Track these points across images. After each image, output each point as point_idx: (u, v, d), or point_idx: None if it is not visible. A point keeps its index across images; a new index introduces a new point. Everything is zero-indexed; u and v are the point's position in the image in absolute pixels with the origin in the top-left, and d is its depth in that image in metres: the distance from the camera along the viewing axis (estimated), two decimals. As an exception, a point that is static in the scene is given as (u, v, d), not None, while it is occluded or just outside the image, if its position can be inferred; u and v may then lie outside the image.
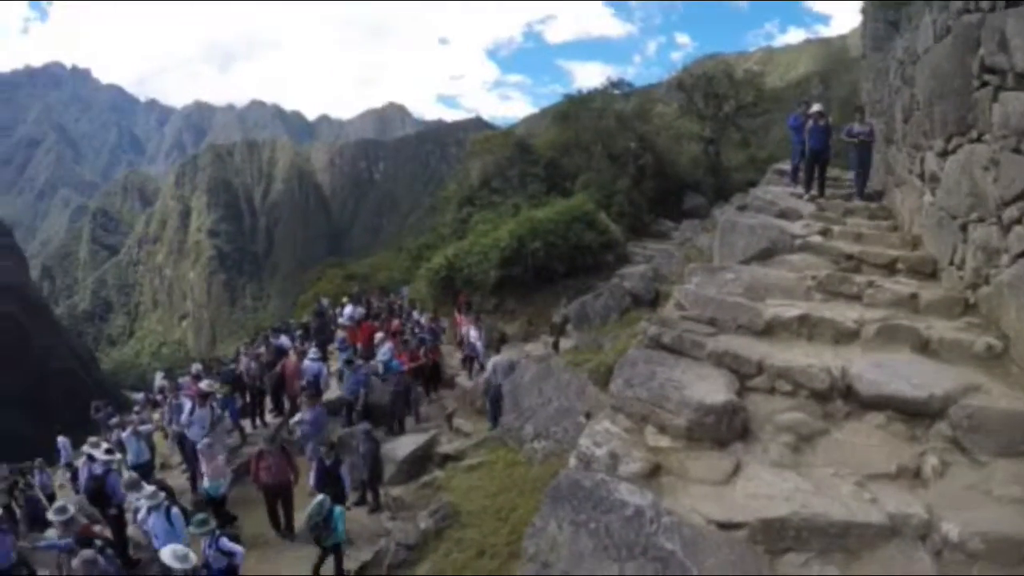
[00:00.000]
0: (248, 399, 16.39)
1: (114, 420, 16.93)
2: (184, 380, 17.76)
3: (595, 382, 10.55)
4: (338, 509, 8.83)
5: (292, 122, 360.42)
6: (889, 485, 4.64)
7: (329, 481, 10.03)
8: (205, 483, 11.02)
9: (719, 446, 5.14)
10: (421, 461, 12.28)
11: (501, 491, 9.75)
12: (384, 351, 15.59)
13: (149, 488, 9.45)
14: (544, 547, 4.44)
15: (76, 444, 16.31)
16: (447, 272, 19.53)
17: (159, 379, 21.98)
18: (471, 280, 18.83)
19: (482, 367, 14.75)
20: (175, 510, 9.12)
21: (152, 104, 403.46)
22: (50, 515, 9.69)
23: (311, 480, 10.36)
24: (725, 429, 5.19)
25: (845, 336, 6.38)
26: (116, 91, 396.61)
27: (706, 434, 5.17)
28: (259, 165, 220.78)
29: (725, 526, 4.20)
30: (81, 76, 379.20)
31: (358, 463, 11.29)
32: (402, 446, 12.64)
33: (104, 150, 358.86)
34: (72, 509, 9.36)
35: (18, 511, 12.37)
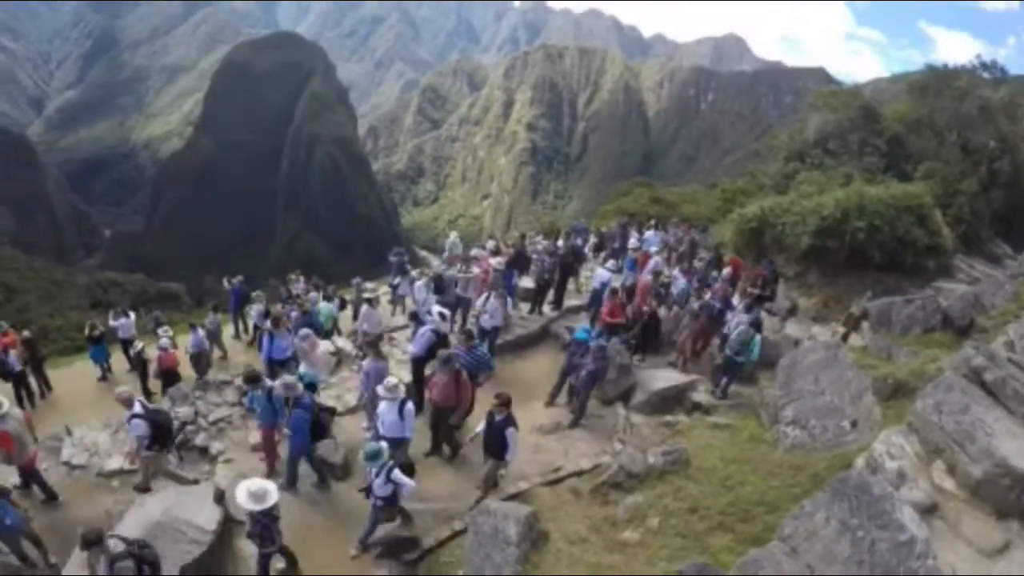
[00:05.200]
0: (535, 288, 17.18)
1: (408, 267, 19.08)
2: (478, 252, 18.69)
3: (875, 392, 9.60)
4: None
5: (626, 36, 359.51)
6: None
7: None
8: (302, 368, 11.48)
9: (998, 515, 4.65)
10: (671, 400, 12.28)
11: (736, 460, 9.38)
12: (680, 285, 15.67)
13: (392, 380, 9.74)
14: (801, 533, 4.41)
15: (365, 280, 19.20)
16: (758, 224, 18.36)
17: (453, 237, 22.59)
18: (780, 239, 17.60)
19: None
20: (409, 406, 9.48)
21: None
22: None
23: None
24: (1013, 500, 4.62)
25: None
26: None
27: (992, 496, 4.68)
28: (587, 72, 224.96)
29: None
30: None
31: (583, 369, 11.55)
32: (659, 379, 12.70)
33: (441, 34, 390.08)
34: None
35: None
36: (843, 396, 9.95)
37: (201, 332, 15.36)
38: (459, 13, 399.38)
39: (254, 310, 17.50)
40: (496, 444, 9.13)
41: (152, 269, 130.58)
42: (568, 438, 11.38)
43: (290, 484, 10.04)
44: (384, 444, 8.41)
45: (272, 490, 7.57)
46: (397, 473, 8.05)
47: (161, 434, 10.00)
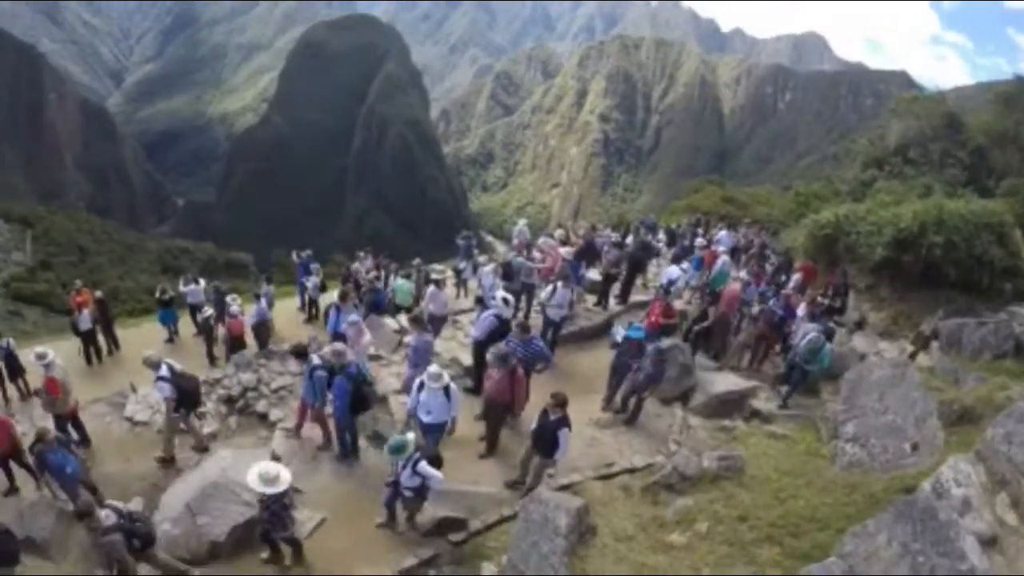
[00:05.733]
0: (602, 281, 17.09)
1: (476, 251, 19.18)
2: (546, 241, 18.67)
3: (940, 416, 9.26)
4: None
5: (704, 29, 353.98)
6: None
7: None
8: (350, 356, 11.42)
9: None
10: (730, 405, 12.08)
11: (791, 473, 9.21)
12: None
13: (436, 368, 9.58)
14: (861, 552, 4.38)
15: (430, 261, 19.27)
16: (832, 231, 17.71)
17: (522, 224, 22.34)
18: (853, 249, 16.97)
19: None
20: (454, 387, 9.43)
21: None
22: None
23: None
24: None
25: None
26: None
27: (1054, 534, 4.46)
28: (663, 65, 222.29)
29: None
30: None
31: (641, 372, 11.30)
32: (720, 382, 12.50)
33: (516, 21, 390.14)
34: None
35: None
36: (907, 417, 9.64)
37: (264, 302, 15.77)
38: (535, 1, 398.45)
39: (310, 283, 17.93)
40: (547, 442, 8.98)
41: (221, 239, 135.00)
42: (623, 434, 11.33)
43: (343, 455, 10.28)
44: (410, 437, 8.28)
45: (285, 477, 7.56)
46: (423, 465, 7.92)
47: (186, 398, 10.33)
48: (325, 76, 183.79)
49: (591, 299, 16.94)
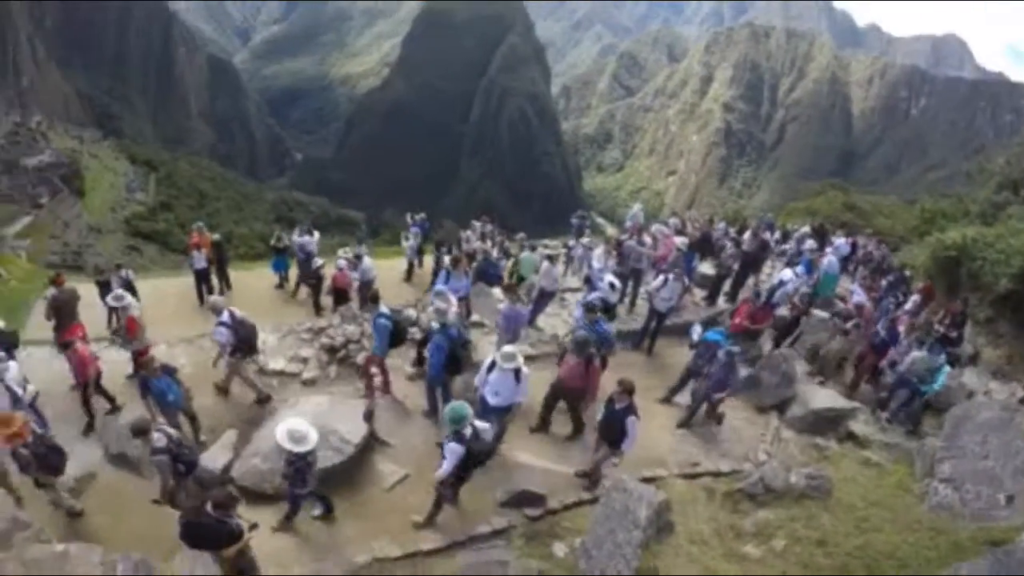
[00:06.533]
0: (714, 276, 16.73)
1: (587, 231, 18.92)
2: (660, 228, 18.31)
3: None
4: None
5: (838, 22, 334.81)
6: None
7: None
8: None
9: None
10: (826, 423, 11.50)
11: (877, 504, 8.85)
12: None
13: (510, 349, 9.22)
14: None
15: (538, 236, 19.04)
16: (956, 254, 16.34)
17: (636, 208, 22.07)
18: (977, 275, 15.53)
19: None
20: (524, 370, 9.09)
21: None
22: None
23: None
24: None
25: None
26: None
27: None
28: (793, 57, 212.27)
29: None
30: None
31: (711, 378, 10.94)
32: (819, 397, 11.93)
33: (643, 2, 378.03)
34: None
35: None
36: (1006, 466, 9.02)
37: (367, 262, 15.97)
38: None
39: (407, 246, 18.19)
40: (614, 432, 8.69)
41: (336, 195, 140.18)
42: (713, 436, 11.07)
43: (431, 412, 10.50)
44: (469, 409, 7.85)
45: (312, 437, 7.60)
46: (452, 444, 7.60)
47: (244, 343, 10.65)
48: (448, 44, 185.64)
49: (700, 293, 16.54)
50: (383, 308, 10.45)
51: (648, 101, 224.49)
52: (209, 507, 6.27)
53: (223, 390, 11.15)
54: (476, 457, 7.75)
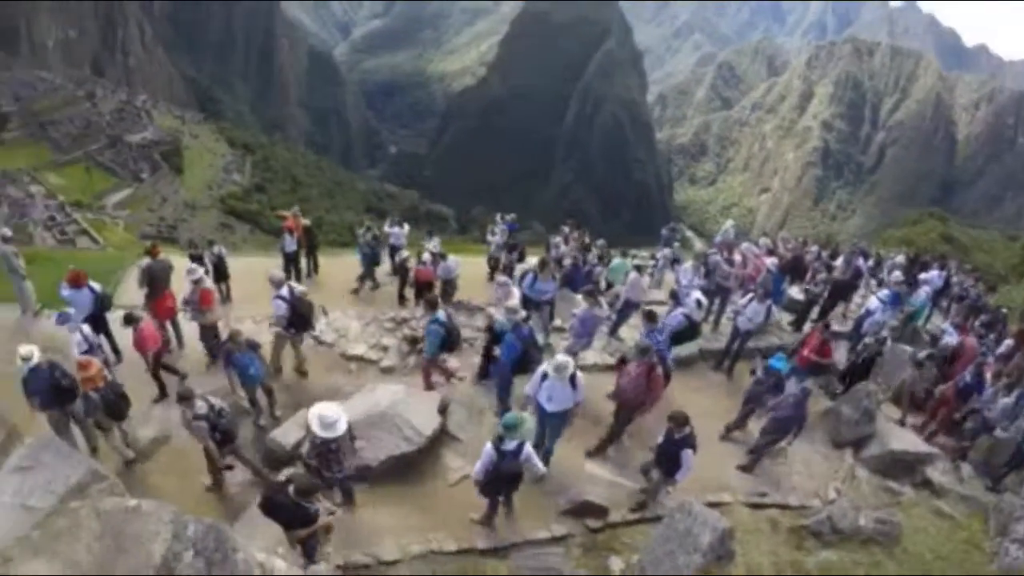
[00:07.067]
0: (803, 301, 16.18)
1: (676, 243, 18.95)
2: (749, 247, 17.81)
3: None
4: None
5: (944, 40, 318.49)
6: None
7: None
8: (497, 316, 11.42)
9: None
10: (902, 466, 11.02)
11: (945, 558, 8.62)
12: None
13: (563, 358, 8.90)
14: None
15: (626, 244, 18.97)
16: None
17: (728, 224, 21.62)
18: None
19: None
20: (579, 375, 8.89)
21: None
22: None
23: None
24: None
25: None
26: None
27: None
28: (897, 75, 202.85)
29: None
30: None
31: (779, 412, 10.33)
32: (899, 438, 11.41)
33: (745, 9, 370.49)
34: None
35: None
36: None
37: (451, 261, 15.89)
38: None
39: (492, 241, 18.40)
40: (670, 461, 8.50)
41: (427, 189, 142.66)
42: (784, 467, 10.81)
43: (501, 411, 10.46)
44: (528, 425, 7.83)
45: (342, 426, 7.48)
46: (488, 446, 7.58)
47: (298, 319, 11.00)
48: (545, 46, 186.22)
49: (787, 317, 16.12)
50: (439, 314, 10.60)
51: (745, 114, 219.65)
52: (291, 490, 6.52)
53: (302, 372, 11.63)
54: (501, 473, 7.66)
